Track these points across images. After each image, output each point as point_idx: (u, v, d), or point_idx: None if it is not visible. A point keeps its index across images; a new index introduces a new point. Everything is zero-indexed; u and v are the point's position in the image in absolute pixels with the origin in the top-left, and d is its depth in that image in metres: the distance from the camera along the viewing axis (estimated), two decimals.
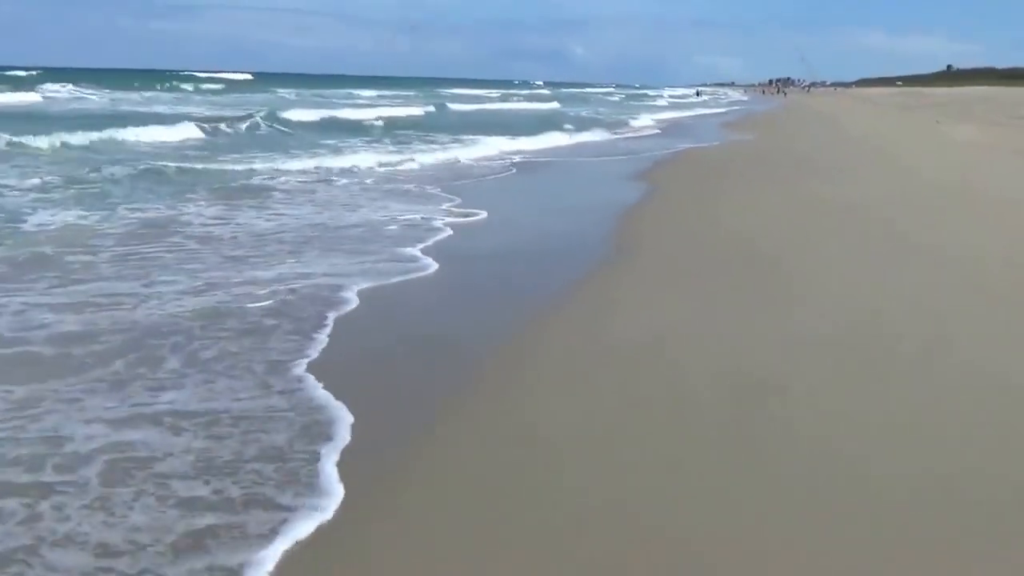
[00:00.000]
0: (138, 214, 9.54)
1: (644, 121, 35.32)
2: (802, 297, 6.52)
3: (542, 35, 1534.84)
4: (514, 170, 15.68)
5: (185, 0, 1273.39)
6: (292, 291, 6.36)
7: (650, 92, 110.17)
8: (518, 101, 55.67)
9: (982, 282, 6.96)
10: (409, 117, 31.73)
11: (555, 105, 49.86)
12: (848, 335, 5.50)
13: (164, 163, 14.07)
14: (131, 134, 19.33)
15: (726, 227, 9.54)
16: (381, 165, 15.54)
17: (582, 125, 29.22)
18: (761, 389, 4.53)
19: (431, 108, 37.77)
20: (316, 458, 3.73)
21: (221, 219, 9.42)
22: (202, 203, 10.44)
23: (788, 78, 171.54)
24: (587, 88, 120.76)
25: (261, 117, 24.57)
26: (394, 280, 6.90)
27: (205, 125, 22.14)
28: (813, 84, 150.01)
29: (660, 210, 10.99)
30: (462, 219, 9.78)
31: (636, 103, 63.08)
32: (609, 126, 30.53)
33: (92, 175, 12.33)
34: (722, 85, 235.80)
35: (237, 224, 9.15)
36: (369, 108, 34.25)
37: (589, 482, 3.58)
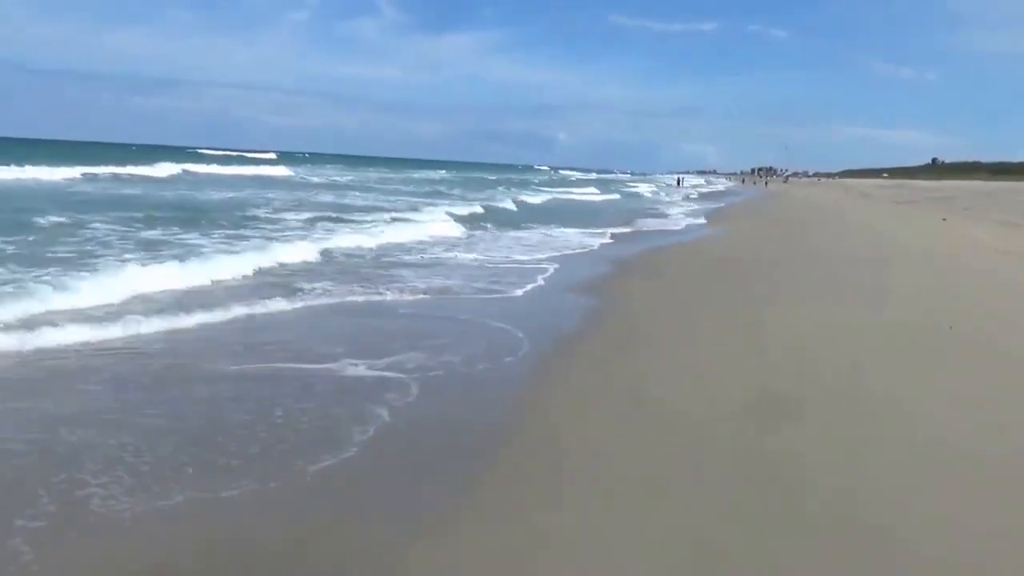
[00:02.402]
0: None
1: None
2: None
3: (525, 120, 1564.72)
4: None
5: (167, 74, 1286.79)
6: None
7: (667, 180, 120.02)
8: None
9: None
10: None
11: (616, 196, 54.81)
12: None
13: None
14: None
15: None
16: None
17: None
18: None
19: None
20: None
21: None
22: None
23: (771, 168, 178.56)
24: (590, 172, 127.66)
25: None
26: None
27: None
28: (794, 174, 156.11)
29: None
30: None
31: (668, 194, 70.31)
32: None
33: None
34: (704, 173, 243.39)
35: None
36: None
37: None
